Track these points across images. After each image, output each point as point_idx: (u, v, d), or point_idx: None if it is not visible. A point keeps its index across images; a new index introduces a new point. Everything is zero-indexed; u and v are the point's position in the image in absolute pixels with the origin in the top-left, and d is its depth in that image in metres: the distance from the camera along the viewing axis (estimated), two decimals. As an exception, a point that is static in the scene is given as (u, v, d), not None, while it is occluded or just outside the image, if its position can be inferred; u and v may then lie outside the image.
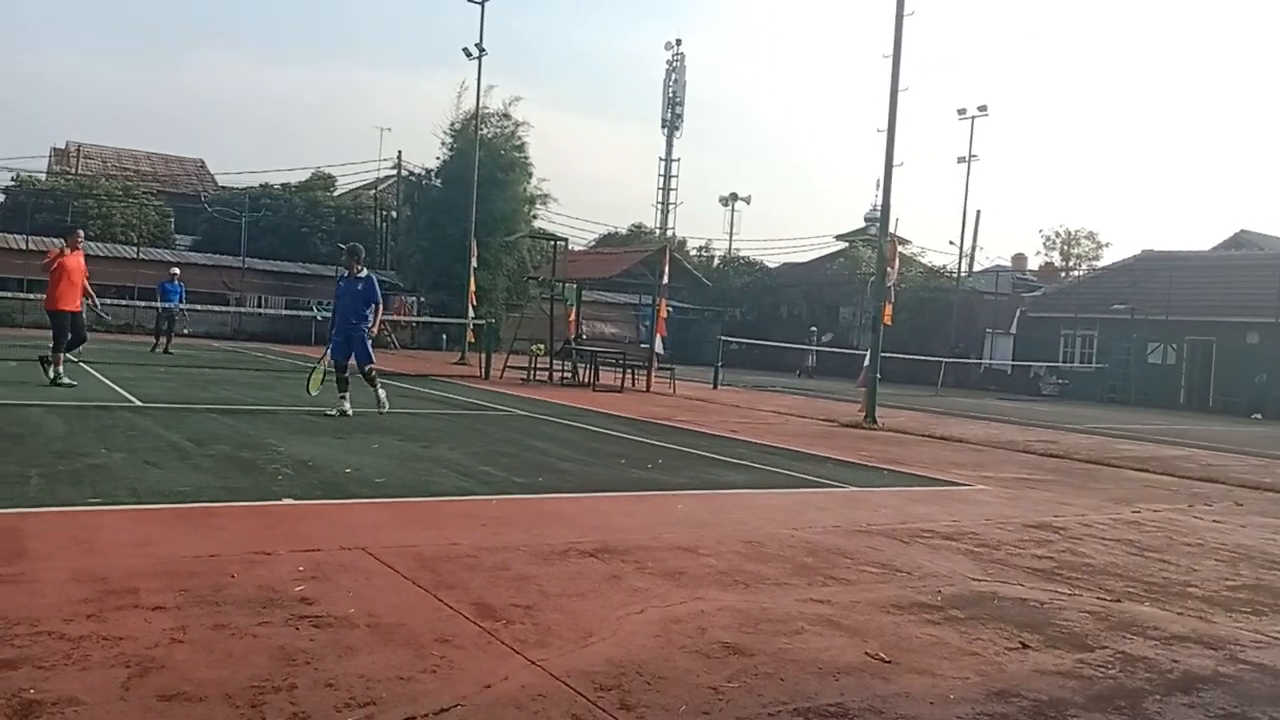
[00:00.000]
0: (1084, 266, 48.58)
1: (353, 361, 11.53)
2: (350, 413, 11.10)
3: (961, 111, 40.88)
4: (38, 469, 6.53)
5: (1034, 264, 51.21)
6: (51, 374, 12.43)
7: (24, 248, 33.92)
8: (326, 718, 2.86)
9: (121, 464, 7.01)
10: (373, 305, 11.46)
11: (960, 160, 41.38)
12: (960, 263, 42.63)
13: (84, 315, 13.29)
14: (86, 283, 13.16)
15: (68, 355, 13.03)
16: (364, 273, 11.56)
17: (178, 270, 23.87)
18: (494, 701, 3.08)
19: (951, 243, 60.50)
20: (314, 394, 11.76)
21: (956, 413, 21.62)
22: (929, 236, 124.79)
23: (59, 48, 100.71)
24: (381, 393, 11.59)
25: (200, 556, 4.57)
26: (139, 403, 11.37)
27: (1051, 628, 4.45)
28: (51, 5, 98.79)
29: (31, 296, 29.86)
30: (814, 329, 41.22)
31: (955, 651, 3.99)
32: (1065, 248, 50.63)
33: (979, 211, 45.80)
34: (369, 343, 11.54)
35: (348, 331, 11.49)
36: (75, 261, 12.84)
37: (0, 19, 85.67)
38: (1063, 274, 48.93)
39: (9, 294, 31.67)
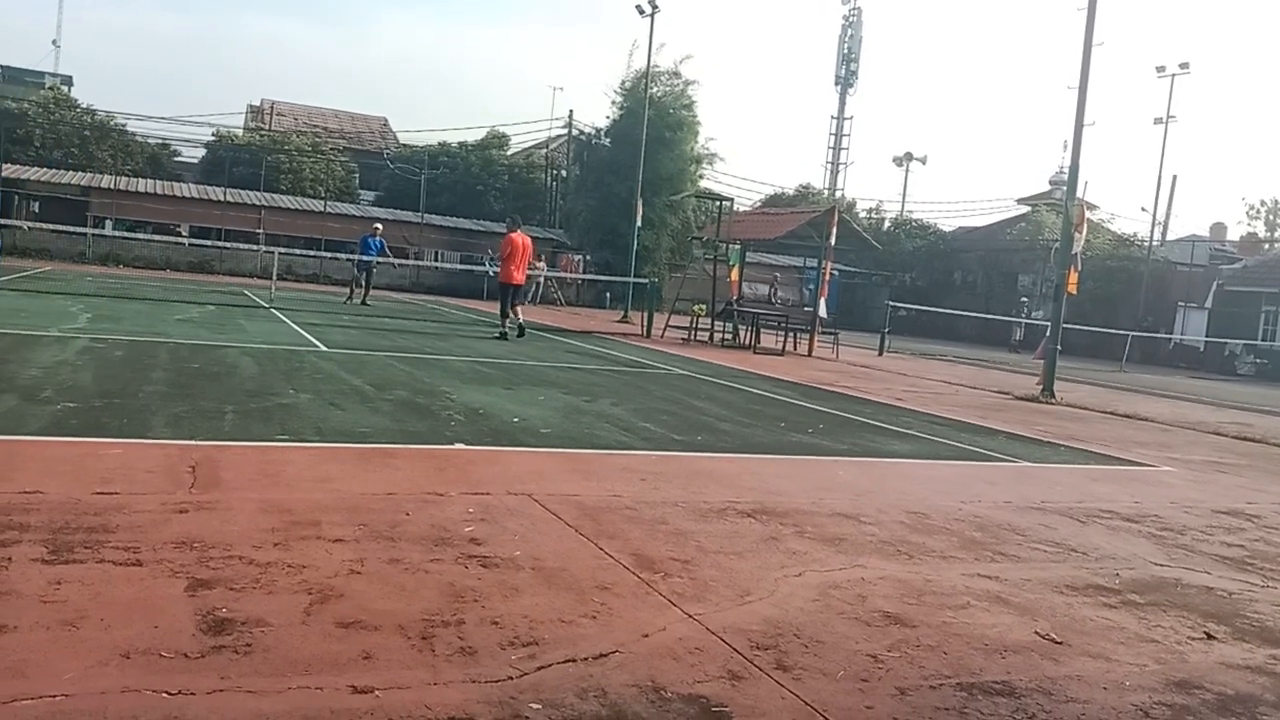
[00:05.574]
0: (1292, 238, 44.99)
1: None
2: None
3: (1161, 69, 38.34)
4: (232, 405, 6.99)
5: (1234, 234, 47.75)
6: (504, 330, 15.83)
7: (222, 199, 36.20)
8: (492, 654, 2.95)
9: (307, 404, 7.43)
10: None
11: (1157, 121, 38.97)
12: (1153, 231, 40.20)
13: (524, 289, 16.39)
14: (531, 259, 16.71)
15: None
16: None
17: (380, 226, 24.25)
18: (651, 651, 3.11)
19: (1144, 209, 57.04)
20: None
21: (1141, 389, 20.44)
22: (1119, 203, 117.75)
23: (262, 11, 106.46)
24: None
25: (378, 494, 4.80)
26: (324, 348, 12.00)
27: (1241, 619, 4.17)
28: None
29: (229, 246, 32.00)
30: (1025, 299, 39.65)
31: (1132, 637, 3.78)
32: (1271, 218, 47.00)
33: (1175, 177, 42.87)
34: None
35: None
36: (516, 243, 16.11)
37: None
38: (1266, 246, 45.43)
39: (209, 243, 33.96)
